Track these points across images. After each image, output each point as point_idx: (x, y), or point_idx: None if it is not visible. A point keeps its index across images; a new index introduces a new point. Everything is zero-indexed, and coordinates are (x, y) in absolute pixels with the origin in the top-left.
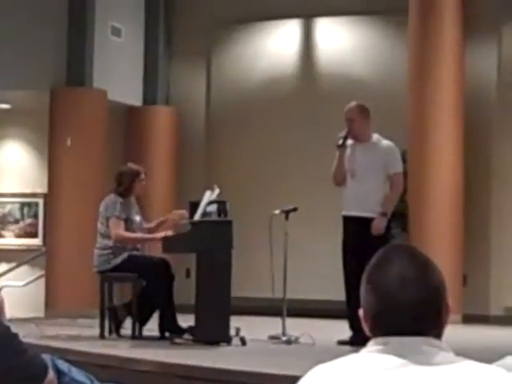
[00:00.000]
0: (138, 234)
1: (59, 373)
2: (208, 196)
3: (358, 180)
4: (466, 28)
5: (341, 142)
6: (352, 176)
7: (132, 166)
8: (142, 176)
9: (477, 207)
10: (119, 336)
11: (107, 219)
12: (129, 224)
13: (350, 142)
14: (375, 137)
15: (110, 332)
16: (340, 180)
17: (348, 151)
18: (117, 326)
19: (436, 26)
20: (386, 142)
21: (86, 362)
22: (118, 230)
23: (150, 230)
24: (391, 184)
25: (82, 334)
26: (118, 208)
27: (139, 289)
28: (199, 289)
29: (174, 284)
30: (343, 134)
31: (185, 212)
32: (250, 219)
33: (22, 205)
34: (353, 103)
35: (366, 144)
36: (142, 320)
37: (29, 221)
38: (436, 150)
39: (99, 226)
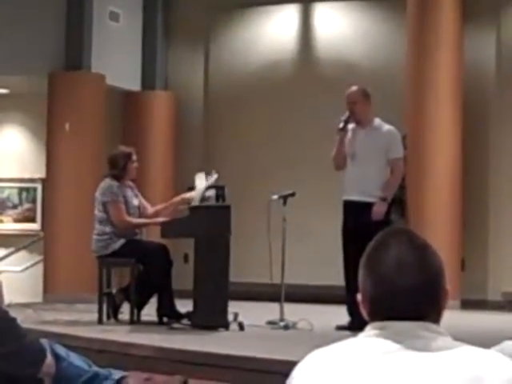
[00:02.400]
0: (141, 220)
1: (57, 357)
2: (200, 179)
3: (358, 164)
4: (465, 12)
5: (342, 125)
6: (352, 160)
7: (123, 148)
8: (134, 157)
9: (475, 192)
10: (117, 321)
11: (104, 204)
12: (126, 207)
13: (351, 125)
14: (377, 121)
15: (108, 317)
16: (340, 164)
17: (349, 135)
18: (114, 311)
19: (434, 10)
20: (387, 127)
21: (84, 346)
22: (121, 215)
23: (155, 213)
24: (392, 169)
25: (80, 319)
26: (114, 191)
27: (137, 274)
28: (197, 274)
29: (172, 269)
30: (344, 117)
31: (191, 194)
32: (249, 204)
33: (21, 190)
34: (354, 87)
35: (368, 128)
36: (139, 304)
37: (27, 206)
38: (434, 135)
39: (96, 212)
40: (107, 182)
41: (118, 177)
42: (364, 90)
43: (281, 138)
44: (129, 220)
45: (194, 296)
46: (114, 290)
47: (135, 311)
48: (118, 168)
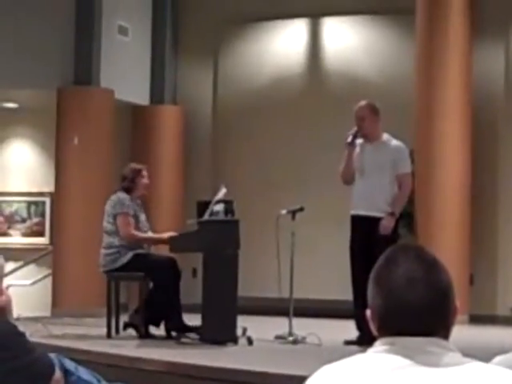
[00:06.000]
0: (147, 235)
1: (66, 372)
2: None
3: (366, 179)
4: (474, 28)
5: (350, 139)
6: (361, 175)
7: (134, 164)
8: (145, 173)
9: (484, 206)
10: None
11: (115, 217)
12: (136, 221)
13: (359, 140)
14: (385, 136)
15: (117, 331)
16: (349, 178)
17: (357, 150)
18: (145, 330)
19: (443, 25)
20: (395, 142)
21: (92, 361)
22: (128, 228)
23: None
24: (400, 184)
25: (89, 333)
26: (125, 204)
27: (146, 288)
28: (206, 288)
29: (180, 281)
30: (353, 132)
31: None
32: (257, 219)
33: (29, 204)
34: (363, 102)
35: (376, 143)
36: (155, 321)
37: (36, 220)
38: (443, 150)
39: (105, 224)
40: (118, 195)
41: (128, 189)
42: (372, 106)
43: (289, 152)
44: (135, 234)
45: (203, 310)
46: (130, 314)
47: (143, 325)
48: (127, 180)
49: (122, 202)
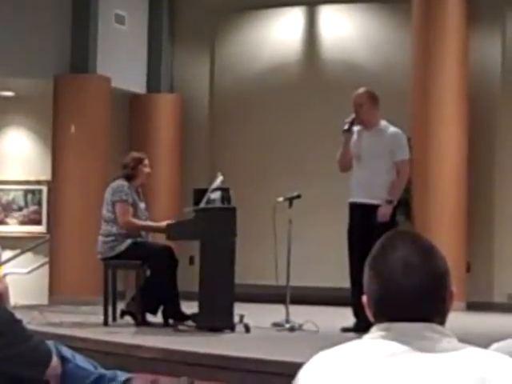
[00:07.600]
0: (145, 222)
1: (63, 359)
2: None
3: (363, 166)
4: (470, 15)
5: (347, 126)
6: (358, 162)
7: (135, 153)
8: (146, 162)
9: (480, 193)
10: (149, 324)
11: (113, 204)
12: (134, 210)
13: (356, 127)
14: (383, 123)
15: (114, 319)
16: (345, 166)
17: (354, 137)
18: (142, 318)
19: (440, 12)
20: (392, 129)
21: (89, 348)
22: (126, 215)
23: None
24: (398, 171)
25: (86, 321)
26: (124, 192)
27: (143, 276)
28: (203, 276)
29: (177, 269)
30: (350, 119)
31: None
32: (254, 206)
33: (26, 192)
34: (362, 89)
35: (373, 130)
36: (152, 309)
37: (33, 208)
38: (440, 137)
39: (104, 212)
40: (118, 182)
41: (129, 177)
42: (371, 93)
43: (287, 140)
44: (133, 221)
45: (200, 298)
46: (128, 302)
47: (140, 313)
48: (128, 168)
49: (120, 189)
